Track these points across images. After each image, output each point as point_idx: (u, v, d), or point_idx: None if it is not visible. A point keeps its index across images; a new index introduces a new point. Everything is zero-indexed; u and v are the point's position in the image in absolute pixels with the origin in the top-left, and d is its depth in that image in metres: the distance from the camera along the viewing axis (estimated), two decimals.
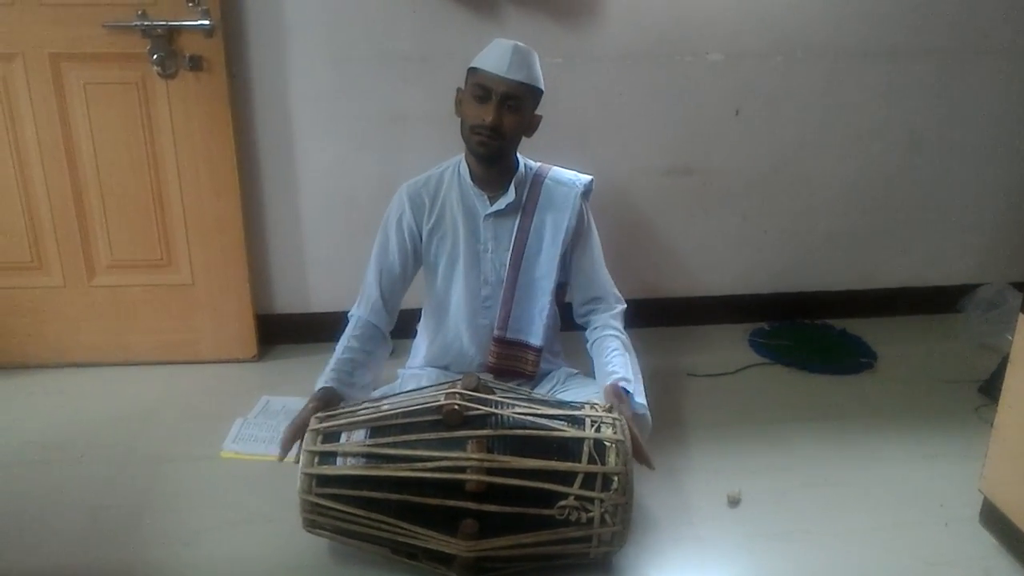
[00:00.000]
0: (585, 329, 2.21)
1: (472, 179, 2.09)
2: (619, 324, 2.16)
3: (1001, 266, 3.15)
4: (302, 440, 1.77)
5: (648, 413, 1.99)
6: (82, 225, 2.57)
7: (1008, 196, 3.08)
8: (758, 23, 2.71)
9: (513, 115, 1.96)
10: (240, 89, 2.56)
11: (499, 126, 1.94)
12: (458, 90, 2.04)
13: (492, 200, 2.09)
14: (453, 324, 2.19)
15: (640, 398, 1.98)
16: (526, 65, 1.96)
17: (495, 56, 1.95)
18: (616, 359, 2.04)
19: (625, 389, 1.95)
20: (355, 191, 2.72)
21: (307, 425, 1.79)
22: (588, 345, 2.17)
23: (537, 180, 2.13)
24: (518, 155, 2.12)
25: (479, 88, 1.95)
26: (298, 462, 1.74)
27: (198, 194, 2.57)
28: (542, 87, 2.02)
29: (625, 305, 2.21)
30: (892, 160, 2.97)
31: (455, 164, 2.13)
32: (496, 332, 2.14)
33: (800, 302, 3.11)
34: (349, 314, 2.15)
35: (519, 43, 1.97)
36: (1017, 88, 2.92)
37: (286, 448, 1.82)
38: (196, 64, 2.42)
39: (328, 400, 1.90)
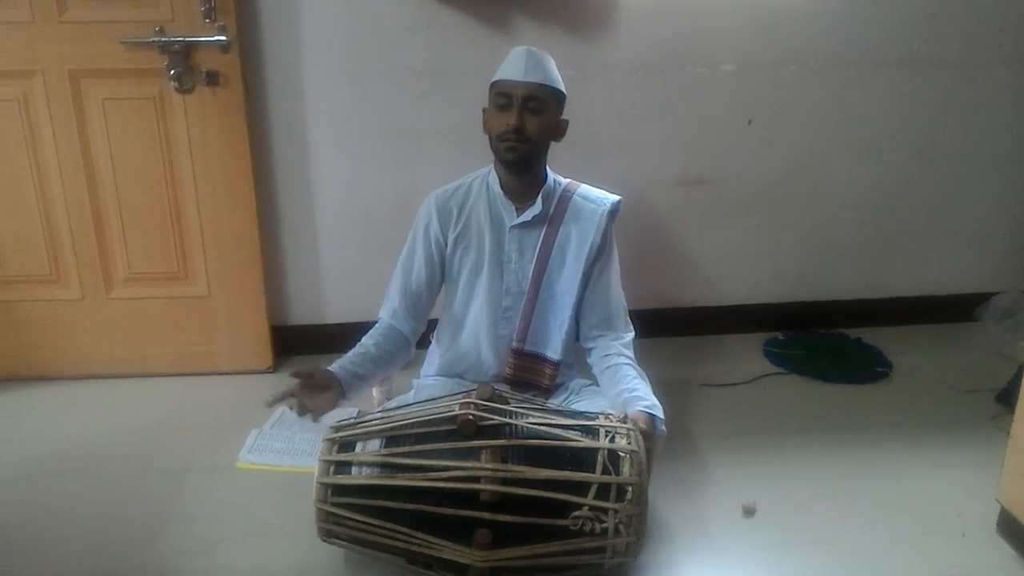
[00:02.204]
0: (588, 347, 2.18)
1: (502, 189, 2.10)
2: (631, 354, 2.12)
3: (1016, 274, 3.13)
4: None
5: (664, 430, 1.96)
6: (100, 238, 2.61)
7: (1022, 204, 3.07)
8: (770, 34, 2.72)
9: (536, 117, 1.98)
10: (256, 104, 2.58)
11: (523, 128, 1.96)
12: (483, 110, 2.06)
13: (519, 211, 2.10)
14: (472, 333, 2.19)
15: (662, 419, 1.94)
16: (542, 67, 1.98)
17: (511, 63, 1.99)
18: (638, 386, 2.00)
19: (652, 414, 1.91)
20: (370, 204, 2.74)
21: (291, 391, 1.87)
22: (597, 372, 2.14)
23: (565, 195, 2.13)
24: (548, 169, 2.13)
25: (501, 97, 1.98)
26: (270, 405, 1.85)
27: (215, 207, 2.60)
28: (562, 88, 2.03)
29: (633, 333, 2.17)
30: (906, 169, 2.96)
31: (484, 174, 2.14)
32: (515, 344, 2.15)
33: (815, 311, 3.10)
34: (379, 315, 2.18)
35: (532, 47, 2.00)
36: None
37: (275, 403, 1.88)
38: (213, 79, 2.45)
39: (319, 376, 1.92)
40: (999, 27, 2.80)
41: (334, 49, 2.57)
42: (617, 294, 2.18)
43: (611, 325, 2.15)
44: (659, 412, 1.92)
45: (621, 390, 2.00)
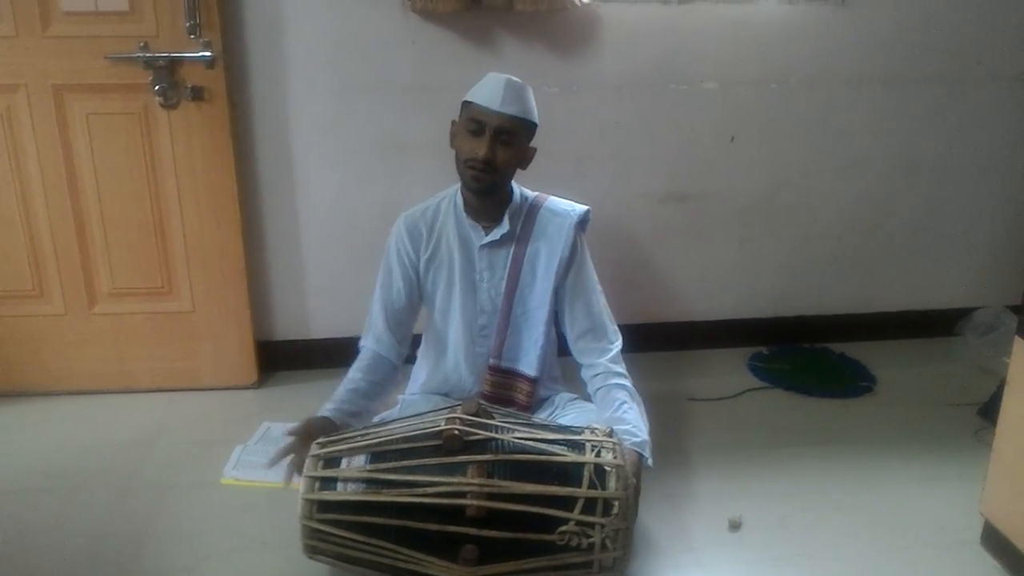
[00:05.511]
0: (580, 362, 2.16)
1: (467, 210, 2.09)
2: (622, 369, 2.10)
3: (998, 289, 3.15)
4: (295, 463, 1.81)
5: (651, 465, 1.94)
6: (83, 253, 2.59)
7: (1004, 220, 3.10)
8: (752, 51, 2.74)
9: (506, 149, 1.96)
10: (241, 119, 2.58)
11: (492, 160, 1.94)
12: (453, 123, 2.04)
13: (487, 231, 2.09)
14: (452, 353, 2.18)
15: (649, 456, 1.92)
16: (520, 99, 1.97)
17: (489, 90, 1.96)
18: (628, 414, 1.98)
19: (642, 454, 1.90)
20: (355, 219, 2.74)
21: (290, 448, 1.83)
22: (591, 391, 2.12)
23: (532, 210, 2.12)
24: (514, 184, 2.12)
25: (473, 122, 1.96)
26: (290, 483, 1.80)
27: (199, 223, 2.59)
28: (536, 120, 2.02)
29: (620, 340, 2.15)
30: (888, 185, 2.99)
31: (451, 194, 2.14)
32: (491, 361, 2.14)
33: (799, 326, 3.12)
34: (359, 344, 2.16)
35: (513, 77, 1.97)
36: (1012, 113, 2.95)
37: (275, 463, 1.87)
38: (198, 95, 2.45)
39: (314, 429, 1.88)
40: (979, 44, 2.84)
41: (319, 64, 2.57)
42: (598, 302, 2.16)
43: (597, 335, 2.13)
44: (646, 449, 1.91)
45: (613, 418, 1.97)
